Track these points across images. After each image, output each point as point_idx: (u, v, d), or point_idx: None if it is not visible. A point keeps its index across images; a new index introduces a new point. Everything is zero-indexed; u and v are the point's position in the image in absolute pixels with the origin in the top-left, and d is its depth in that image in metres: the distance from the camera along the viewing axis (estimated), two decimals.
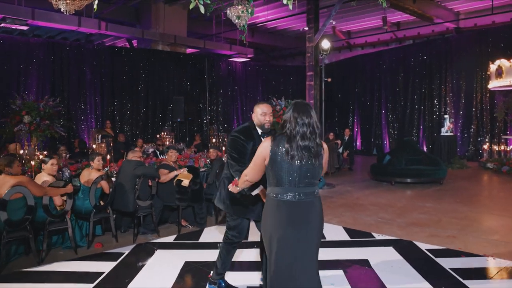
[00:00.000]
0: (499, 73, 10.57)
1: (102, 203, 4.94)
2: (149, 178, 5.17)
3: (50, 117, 7.23)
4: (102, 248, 4.76)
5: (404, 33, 16.01)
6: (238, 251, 3.50)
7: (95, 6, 3.72)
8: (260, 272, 3.59)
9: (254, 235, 3.89)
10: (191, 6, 3.67)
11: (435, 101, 13.90)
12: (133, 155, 5.37)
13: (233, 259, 3.50)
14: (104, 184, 4.88)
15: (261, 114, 3.17)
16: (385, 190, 8.24)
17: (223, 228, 3.68)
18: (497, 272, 3.91)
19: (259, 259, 3.61)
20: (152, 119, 13.54)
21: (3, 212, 3.94)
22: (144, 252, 4.61)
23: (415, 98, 14.45)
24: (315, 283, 2.45)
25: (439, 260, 4.20)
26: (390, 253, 4.50)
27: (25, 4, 10.04)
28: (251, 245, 4.57)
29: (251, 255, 4.40)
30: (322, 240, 2.97)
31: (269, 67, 18.01)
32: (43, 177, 4.61)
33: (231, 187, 2.83)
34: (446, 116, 12.59)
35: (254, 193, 2.97)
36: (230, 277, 3.66)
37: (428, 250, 4.54)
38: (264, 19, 14.76)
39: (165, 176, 5.41)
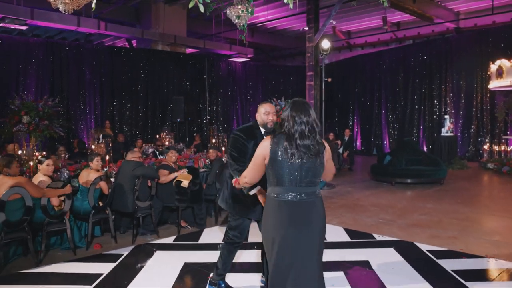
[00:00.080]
0: (500, 73, 10.57)
1: (101, 203, 4.92)
2: (148, 178, 5.14)
3: (49, 117, 7.22)
4: (101, 249, 4.74)
5: (404, 33, 16.00)
6: (238, 252, 3.48)
7: (93, 5, 3.68)
8: (261, 274, 3.57)
9: (254, 235, 3.87)
10: (190, 5, 3.65)
11: (435, 101, 13.89)
12: (132, 156, 5.35)
13: (233, 261, 3.47)
14: (103, 184, 4.86)
15: (264, 113, 3.17)
16: (386, 191, 8.22)
17: (223, 229, 3.66)
18: (499, 274, 3.88)
19: (259, 260, 3.58)
20: (151, 119, 13.52)
21: (1, 213, 3.92)
22: (143, 253, 4.59)
23: (415, 98, 14.44)
24: (316, 284, 2.42)
25: (440, 261, 4.17)
26: (391, 254, 4.47)
27: (24, 4, 10.02)
28: (252, 246, 4.55)
29: (252, 256, 4.37)
30: None
31: (269, 67, 17.99)
32: (39, 178, 4.59)
33: (235, 183, 2.94)
34: (446, 116, 12.55)
35: (251, 193, 2.96)
36: (230, 278, 3.63)
37: (429, 251, 4.52)
38: (264, 19, 14.74)
39: (165, 177, 5.39)
